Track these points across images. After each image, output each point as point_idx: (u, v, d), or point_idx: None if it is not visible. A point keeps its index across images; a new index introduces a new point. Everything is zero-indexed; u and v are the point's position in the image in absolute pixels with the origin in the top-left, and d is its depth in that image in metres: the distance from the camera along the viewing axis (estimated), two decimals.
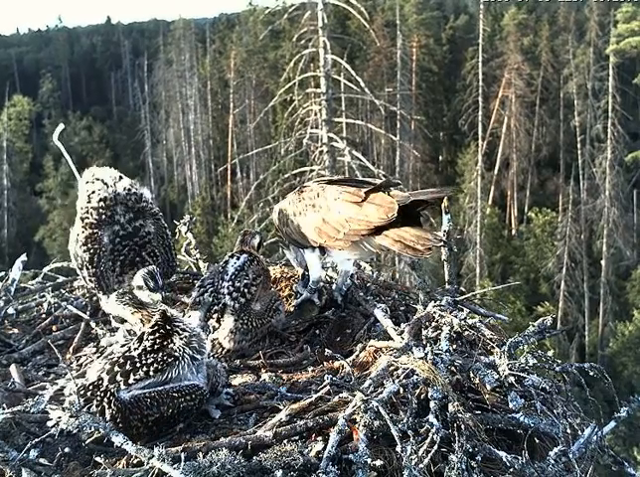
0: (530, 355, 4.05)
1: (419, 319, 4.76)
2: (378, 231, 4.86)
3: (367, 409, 3.59)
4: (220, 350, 5.16)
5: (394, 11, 58.44)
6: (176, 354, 3.98)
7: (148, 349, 3.96)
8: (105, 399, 3.73)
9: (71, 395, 3.81)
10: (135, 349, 3.97)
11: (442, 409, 3.65)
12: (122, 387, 3.79)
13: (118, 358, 3.91)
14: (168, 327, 4.07)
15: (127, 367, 3.85)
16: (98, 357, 4.58)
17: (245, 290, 5.24)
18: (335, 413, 3.77)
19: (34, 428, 3.82)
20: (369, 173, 31.88)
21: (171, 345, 4.01)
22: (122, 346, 4.10)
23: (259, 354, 5.16)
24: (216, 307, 5.20)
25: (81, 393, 3.74)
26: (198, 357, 4.08)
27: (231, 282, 5.25)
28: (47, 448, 3.66)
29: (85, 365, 5.08)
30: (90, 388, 3.77)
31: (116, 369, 3.84)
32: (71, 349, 5.54)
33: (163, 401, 3.83)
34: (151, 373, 3.87)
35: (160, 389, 3.87)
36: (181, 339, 4.05)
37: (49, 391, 3.99)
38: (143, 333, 4.08)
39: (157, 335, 4.03)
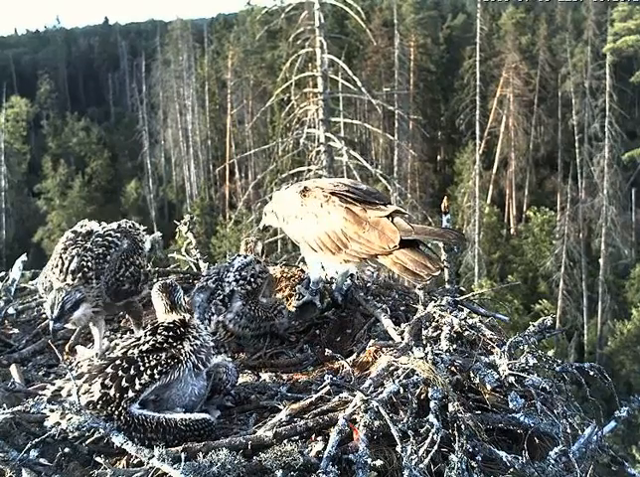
0: (530, 355, 4.05)
1: (420, 319, 4.77)
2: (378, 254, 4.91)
3: (367, 409, 3.59)
4: (223, 333, 5.18)
5: (391, 10, 58.49)
6: (181, 357, 3.96)
7: (157, 346, 3.95)
8: (116, 412, 3.69)
9: (69, 395, 3.80)
10: (146, 342, 3.96)
11: (442, 409, 3.65)
12: (130, 394, 3.73)
13: (121, 360, 3.87)
14: (182, 330, 4.07)
15: (132, 371, 3.80)
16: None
17: (252, 279, 5.35)
18: (335, 413, 3.78)
19: (34, 428, 3.80)
20: (367, 173, 31.92)
21: (180, 347, 4.01)
22: (128, 338, 4.11)
23: (260, 354, 5.17)
24: (221, 292, 5.24)
25: (91, 406, 3.69)
26: (201, 367, 4.06)
27: (237, 272, 5.37)
28: (47, 448, 3.64)
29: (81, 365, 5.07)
30: (100, 402, 3.71)
31: (120, 373, 3.79)
32: (67, 347, 5.53)
33: (170, 431, 3.77)
34: (156, 376, 3.84)
35: (169, 416, 3.82)
36: (191, 345, 4.04)
37: (48, 392, 3.97)
38: (158, 326, 4.09)
39: (170, 333, 4.03)
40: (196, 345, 4.06)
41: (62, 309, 4.65)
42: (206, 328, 4.83)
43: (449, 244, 5.22)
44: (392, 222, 4.85)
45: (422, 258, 4.72)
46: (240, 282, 5.29)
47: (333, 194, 5.15)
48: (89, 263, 4.93)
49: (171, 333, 4.04)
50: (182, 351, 4.00)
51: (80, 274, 4.87)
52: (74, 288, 4.79)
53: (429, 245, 5.35)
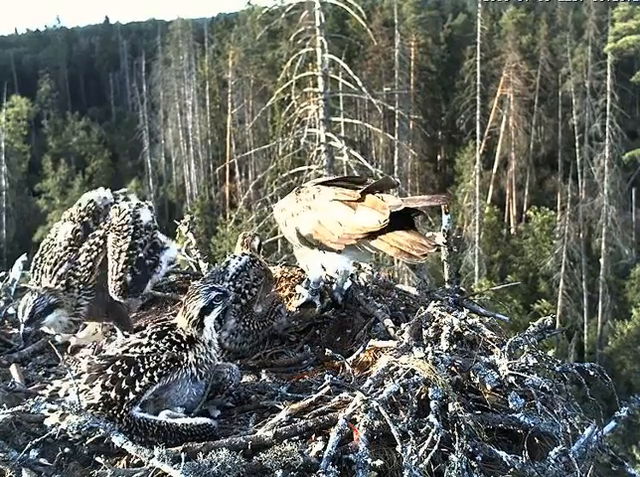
0: (530, 355, 4.05)
1: (420, 319, 4.76)
2: (372, 235, 4.91)
3: (367, 409, 3.59)
4: (220, 351, 5.14)
5: (392, 10, 58.48)
6: (181, 362, 3.95)
7: (158, 351, 3.93)
8: (118, 415, 3.68)
9: (67, 395, 3.81)
10: (149, 344, 3.96)
11: (442, 409, 3.65)
12: (131, 396, 3.72)
13: (121, 361, 3.85)
14: (188, 346, 4.04)
15: (132, 373, 3.78)
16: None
17: (247, 291, 5.23)
18: (335, 413, 3.77)
19: (34, 428, 3.79)
20: (367, 172, 31.92)
21: (182, 353, 4.00)
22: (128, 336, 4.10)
23: (260, 354, 5.16)
24: None
25: (92, 409, 3.67)
26: (198, 380, 4.05)
27: (231, 283, 5.23)
28: (47, 448, 3.63)
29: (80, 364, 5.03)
30: (101, 404, 3.70)
31: (120, 375, 3.77)
32: (68, 349, 5.52)
33: (171, 435, 3.75)
34: (156, 378, 3.82)
35: (171, 421, 3.80)
36: (195, 358, 4.03)
37: (46, 392, 3.97)
38: (166, 332, 4.07)
39: (175, 346, 4.01)
40: (200, 359, 4.05)
41: (32, 313, 4.54)
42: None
43: (440, 205, 5.20)
44: (381, 199, 4.88)
45: (417, 237, 4.75)
46: (235, 296, 5.13)
47: (322, 184, 5.27)
48: (77, 273, 4.86)
49: (175, 347, 4.02)
50: (184, 358, 3.99)
51: (64, 281, 4.81)
52: (49, 292, 4.68)
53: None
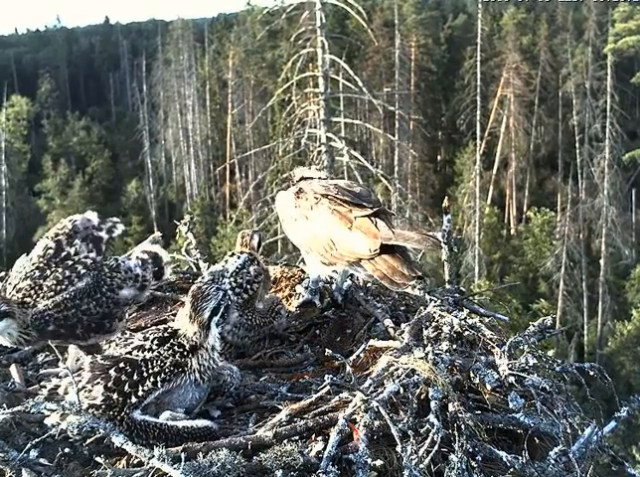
0: (530, 355, 4.05)
1: (420, 319, 4.76)
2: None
3: (367, 409, 3.59)
4: (222, 345, 5.14)
5: (392, 11, 58.54)
6: (185, 368, 3.95)
7: (162, 357, 3.93)
8: (118, 417, 3.68)
9: (66, 393, 3.81)
10: (151, 349, 3.95)
11: (443, 409, 3.64)
12: (133, 400, 3.72)
13: (125, 363, 3.84)
14: (191, 354, 4.03)
15: (135, 377, 3.78)
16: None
17: (248, 286, 5.24)
18: (335, 413, 3.77)
19: (34, 428, 3.80)
20: (367, 173, 31.95)
21: (186, 359, 3.99)
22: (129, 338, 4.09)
23: (260, 354, 5.16)
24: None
25: (93, 410, 3.66)
26: (201, 385, 4.05)
27: (232, 278, 5.24)
28: (47, 448, 3.64)
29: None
30: (103, 406, 3.70)
31: (124, 378, 3.77)
32: (69, 348, 5.50)
33: (172, 438, 3.74)
34: (159, 384, 3.82)
35: (171, 423, 3.79)
36: (198, 364, 4.02)
37: (45, 389, 3.96)
38: (169, 338, 4.06)
39: (178, 353, 4.00)
40: (203, 365, 4.04)
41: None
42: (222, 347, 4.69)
43: (426, 251, 5.23)
44: (375, 225, 4.86)
45: (400, 265, 4.70)
46: (237, 290, 5.18)
47: (324, 196, 5.17)
48: (32, 292, 4.61)
49: (177, 355, 4.00)
50: (188, 364, 3.99)
51: (20, 295, 4.60)
52: (2, 300, 4.47)
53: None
